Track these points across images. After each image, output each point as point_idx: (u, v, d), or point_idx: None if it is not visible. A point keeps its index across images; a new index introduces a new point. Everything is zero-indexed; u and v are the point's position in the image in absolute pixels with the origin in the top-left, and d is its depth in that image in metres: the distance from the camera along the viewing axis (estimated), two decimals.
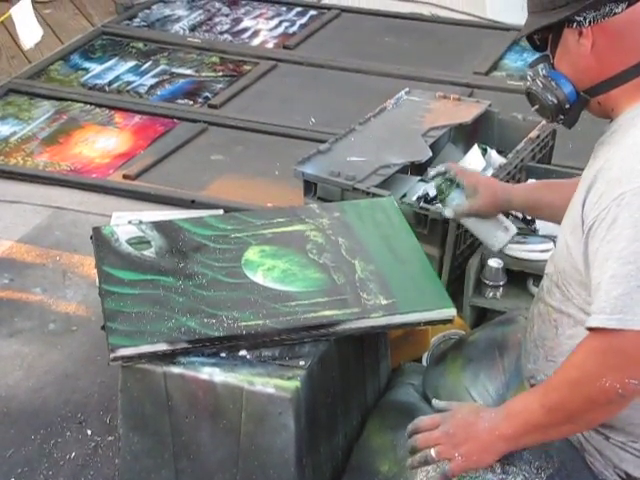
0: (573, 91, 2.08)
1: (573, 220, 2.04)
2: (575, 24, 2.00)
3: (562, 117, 2.14)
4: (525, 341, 2.32)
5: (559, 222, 2.19)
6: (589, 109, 2.12)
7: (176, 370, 2.32)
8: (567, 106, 2.10)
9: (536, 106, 2.18)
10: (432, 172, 2.72)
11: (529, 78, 2.17)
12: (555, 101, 2.10)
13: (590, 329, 1.90)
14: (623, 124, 2.01)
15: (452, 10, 6.04)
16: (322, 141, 3.75)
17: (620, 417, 2.01)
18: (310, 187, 3.42)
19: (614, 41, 1.98)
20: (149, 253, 2.64)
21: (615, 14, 1.96)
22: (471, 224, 2.68)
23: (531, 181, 3.37)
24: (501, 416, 2.01)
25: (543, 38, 2.12)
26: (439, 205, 3.21)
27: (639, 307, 1.83)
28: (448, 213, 2.67)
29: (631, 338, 1.84)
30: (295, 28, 5.90)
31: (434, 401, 2.19)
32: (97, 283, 2.57)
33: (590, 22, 1.98)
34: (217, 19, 6.03)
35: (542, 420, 1.97)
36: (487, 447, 2.01)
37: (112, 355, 2.32)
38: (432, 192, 3.34)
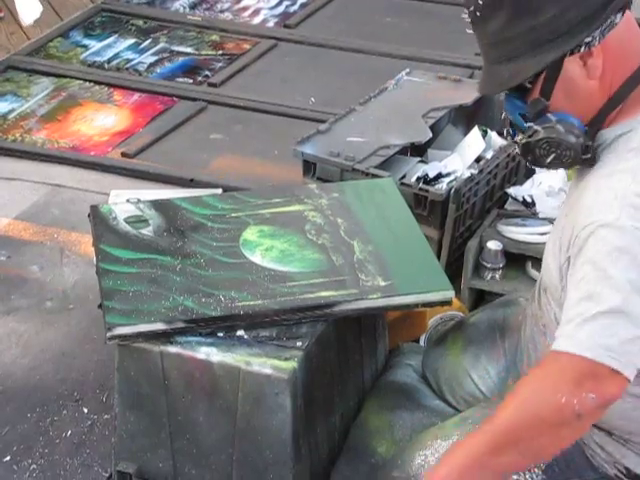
0: (582, 126, 1.93)
1: (558, 237, 2.02)
2: (583, 47, 1.86)
3: (587, 156, 1.95)
4: (520, 337, 2.31)
5: None
6: None
7: (173, 349, 2.32)
8: (589, 143, 1.94)
9: (552, 155, 1.96)
10: None
11: (540, 130, 1.95)
12: (581, 140, 1.92)
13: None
14: (611, 144, 1.94)
15: None
16: (322, 121, 3.73)
17: (628, 417, 2.00)
18: (309, 167, 3.41)
19: (615, 54, 1.88)
20: (147, 232, 2.63)
21: (615, 25, 1.87)
22: None
23: None
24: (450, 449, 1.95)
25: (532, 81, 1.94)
26: (439, 186, 3.22)
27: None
28: None
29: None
30: (296, 7, 5.85)
31: None
32: (94, 261, 2.57)
33: (599, 39, 1.86)
34: None
35: (485, 447, 1.84)
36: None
37: (109, 334, 2.31)
38: (432, 173, 3.34)
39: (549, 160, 1.97)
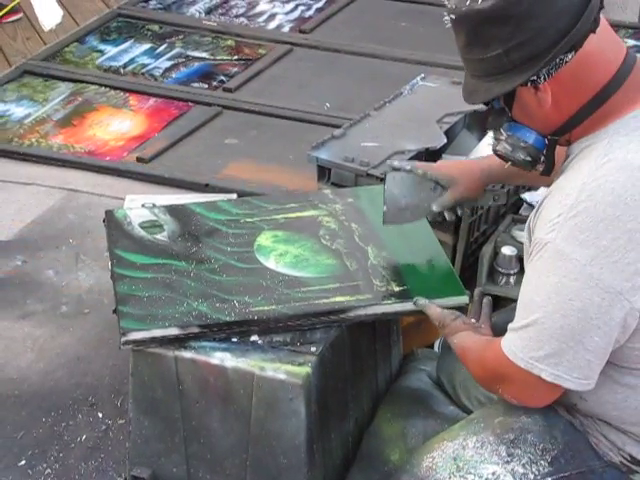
0: (539, 138, 2.02)
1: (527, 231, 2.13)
2: (530, 83, 1.93)
3: (539, 166, 2.08)
4: None
5: (541, 185, 2.17)
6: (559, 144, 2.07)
7: (187, 355, 2.32)
8: (542, 157, 2.05)
9: (509, 163, 2.11)
10: (395, 163, 2.61)
11: (493, 140, 2.11)
12: (529, 158, 2.05)
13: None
14: (579, 154, 1.99)
15: None
16: (337, 126, 3.73)
17: (621, 407, 2.03)
18: (324, 172, 3.41)
19: (568, 85, 1.93)
20: (162, 237, 2.64)
21: (566, 62, 1.91)
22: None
23: None
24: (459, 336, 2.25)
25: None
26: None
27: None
28: (436, 208, 2.57)
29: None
30: (311, 12, 5.87)
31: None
32: (109, 266, 2.57)
33: (545, 78, 1.92)
34: (233, 2, 6.00)
35: (470, 352, 2.21)
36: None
37: (123, 339, 2.32)
38: None
39: (507, 166, 2.14)
